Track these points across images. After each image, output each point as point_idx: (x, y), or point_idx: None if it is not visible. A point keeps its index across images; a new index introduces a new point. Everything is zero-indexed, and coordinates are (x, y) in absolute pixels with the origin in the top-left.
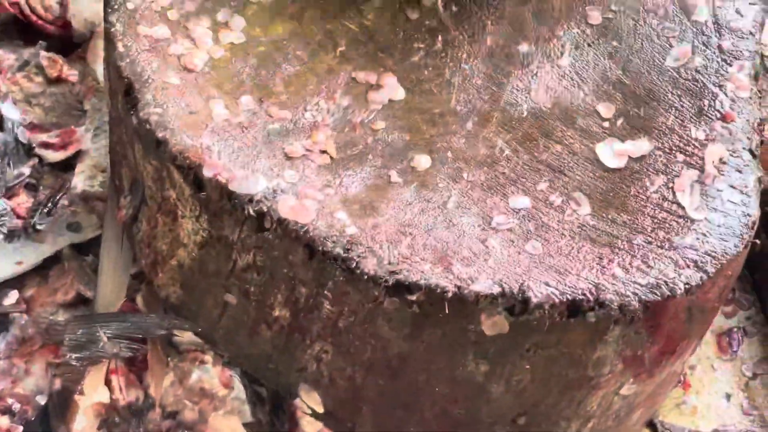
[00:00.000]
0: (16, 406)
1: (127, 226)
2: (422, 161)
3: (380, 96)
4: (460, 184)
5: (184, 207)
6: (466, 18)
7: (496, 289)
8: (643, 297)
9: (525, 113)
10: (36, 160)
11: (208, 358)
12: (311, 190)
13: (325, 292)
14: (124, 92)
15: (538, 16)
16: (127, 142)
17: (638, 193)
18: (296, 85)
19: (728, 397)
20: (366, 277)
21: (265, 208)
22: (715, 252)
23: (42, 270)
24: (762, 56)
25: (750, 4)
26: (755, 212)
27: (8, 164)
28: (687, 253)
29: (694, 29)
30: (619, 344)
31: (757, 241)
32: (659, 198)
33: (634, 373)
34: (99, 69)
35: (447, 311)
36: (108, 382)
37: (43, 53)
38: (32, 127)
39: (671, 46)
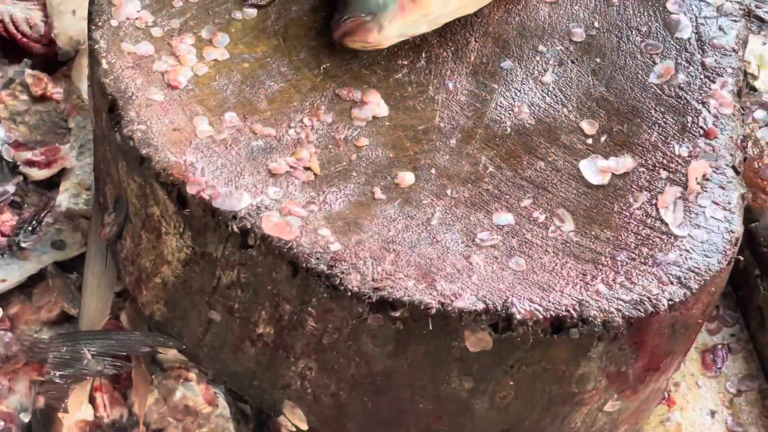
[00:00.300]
0: (0, 424)
1: (112, 243)
2: (406, 178)
3: (364, 113)
4: (444, 201)
5: (168, 224)
6: (449, 34)
7: (480, 306)
8: (627, 313)
9: (508, 130)
10: (20, 177)
11: (193, 375)
12: (295, 206)
13: (309, 309)
14: (108, 109)
15: (522, 33)
16: (111, 159)
17: (622, 209)
18: (280, 102)
19: (713, 414)
20: (350, 293)
21: (248, 225)
22: (699, 268)
23: (26, 288)
24: (745, 73)
25: (733, 21)
26: (738, 229)
27: None
28: (670, 269)
29: (678, 46)
30: (603, 360)
31: (741, 258)
32: (643, 214)
33: (618, 389)
34: (83, 87)
35: (431, 328)
36: (92, 400)
37: (27, 71)
38: (17, 144)
39: (654, 62)
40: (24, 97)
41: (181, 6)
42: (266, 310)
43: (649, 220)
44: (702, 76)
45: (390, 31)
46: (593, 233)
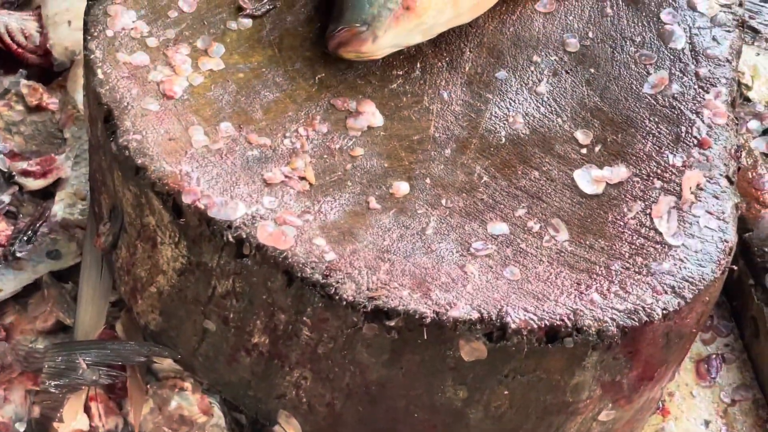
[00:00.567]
0: None
1: (107, 253)
2: (401, 188)
3: (359, 123)
4: (439, 211)
5: (164, 234)
6: (444, 45)
7: (475, 315)
8: (621, 322)
9: (503, 140)
10: (16, 188)
11: (188, 385)
12: (290, 216)
13: (304, 318)
14: (104, 119)
15: (517, 43)
16: (106, 169)
17: (616, 219)
18: (275, 112)
19: (707, 423)
20: (345, 303)
21: (244, 235)
22: (693, 278)
23: (21, 298)
24: (739, 83)
25: (726, 31)
26: (732, 238)
27: None
28: (664, 278)
29: (671, 56)
30: (598, 370)
31: (735, 267)
32: (637, 224)
33: (613, 399)
34: (79, 97)
35: (425, 337)
36: (87, 410)
37: (23, 81)
38: (12, 155)
39: (648, 73)
40: (19, 107)
41: (177, 16)
42: (261, 320)
43: (643, 230)
44: (696, 87)
45: (384, 41)
46: (587, 243)
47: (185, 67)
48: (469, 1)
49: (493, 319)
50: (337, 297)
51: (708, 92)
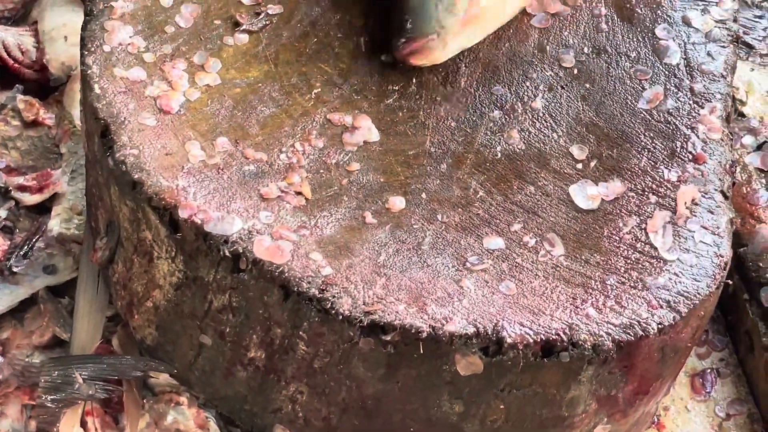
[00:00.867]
0: None
1: (103, 268)
2: (397, 202)
3: (355, 138)
4: (435, 225)
5: (160, 248)
6: None
7: (471, 330)
8: (617, 337)
9: (499, 155)
10: (12, 203)
11: (184, 399)
12: (286, 231)
13: (301, 332)
14: (101, 134)
15: (512, 58)
16: (103, 184)
17: (611, 234)
18: (271, 127)
19: None
20: (341, 317)
21: (240, 249)
22: (688, 292)
23: (18, 312)
24: (734, 98)
25: (721, 47)
26: (727, 253)
27: None
28: (660, 293)
29: (666, 72)
30: (593, 384)
31: (730, 282)
32: (632, 239)
33: (608, 413)
34: (75, 113)
35: (422, 351)
36: (83, 424)
37: (19, 97)
38: (8, 170)
39: (644, 88)
40: (16, 122)
41: (173, 32)
42: (257, 334)
43: (638, 245)
44: (691, 102)
45: (452, 46)
46: (583, 257)
47: (182, 82)
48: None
49: (489, 333)
50: (333, 311)
51: (703, 107)
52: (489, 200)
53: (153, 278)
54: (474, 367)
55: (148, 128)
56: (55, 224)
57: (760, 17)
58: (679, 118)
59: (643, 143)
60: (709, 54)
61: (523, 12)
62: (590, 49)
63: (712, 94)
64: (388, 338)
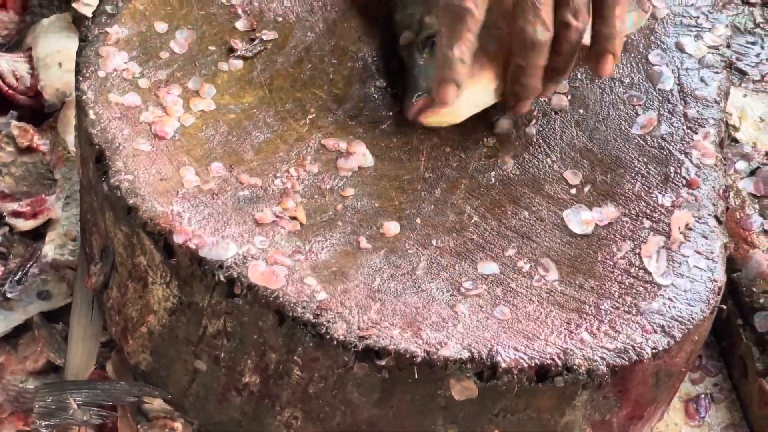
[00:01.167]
0: None
1: (98, 293)
2: (391, 227)
3: (350, 163)
4: (429, 250)
5: (155, 273)
6: None
7: (465, 354)
8: (611, 362)
9: (493, 180)
10: (6, 228)
11: (178, 425)
12: (281, 256)
13: (295, 357)
14: (95, 159)
15: None
16: (97, 209)
17: (605, 259)
18: (266, 153)
19: None
20: (336, 342)
21: (235, 274)
22: (682, 317)
23: (12, 338)
24: (727, 124)
25: (714, 72)
26: (721, 278)
27: None
28: (654, 318)
29: (660, 97)
30: (588, 409)
31: (724, 307)
32: (626, 264)
33: None
34: (69, 139)
35: (416, 376)
36: None
37: (14, 123)
38: (3, 196)
39: (637, 113)
40: (10, 148)
41: (168, 57)
42: (252, 359)
43: (632, 270)
44: (684, 127)
45: (462, 103)
46: (577, 282)
47: (177, 107)
48: None
49: (484, 358)
50: (328, 336)
51: (696, 133)
52: (483, 225)
53: (147, 303)
54: (469, 392)
55: (143, 154)
56: (49, 250)
57: (753, 43)
58: (672, 144)
59: (636, 168)
60: (702, 80)
61: None
62: (584, 74)
63: (706, 119)
64: (383, 363)
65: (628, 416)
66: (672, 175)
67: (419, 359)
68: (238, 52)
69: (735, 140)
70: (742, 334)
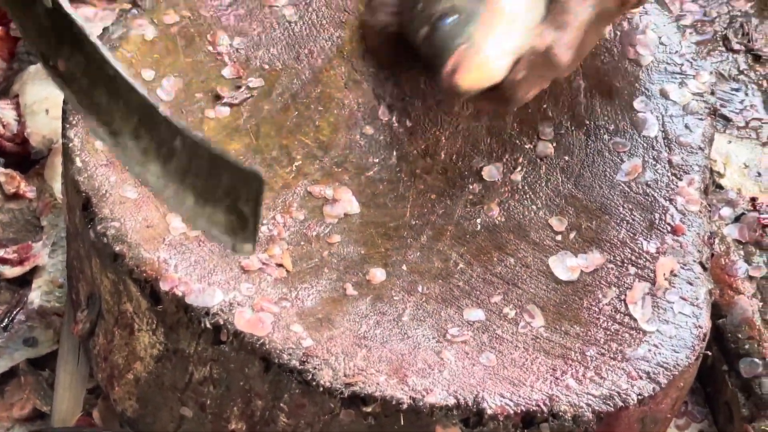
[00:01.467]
0: None
1: (84, 340)
2: (377, 274)
3: (336, 210)
4: (415, 297)
5: (141, 320)
6: (420, 132)
7: (451, 401)
8: (597, 408)
9: (478, 227)
10: None
11: None
12: (267, 303)
13: (281, 404)
14: (82, 207)
15: (492, 131)
16: (84, 256)
17: (591, 305)
18: None
19: None
20: (322, 389)
21: (221, 321)
22: (667, 363)
23: None
24: (712, 171)
25: (699, 119)
26: (706, 324)
27: None
28: (639, 364)
29: (645, 144)
30: None
31: (709, 353)
32: (612, 310)
33: None
34: (56, 186)
35: (402, 423)
36: None
37: (0, 170)
38: None
39: (622, 160)
40: None
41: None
42: (238, 406)
43: (618, 316)
44: (669, 174)
45: (490, 49)
46: (563, 329)
47: None
48: None
49: (470, 404)
50: (314, 383)
51: (681, 179)
52: (469, 272)
53: (134, 350)
54: None
55: (130, 201)
56: (35, 297)
57: (737, 90)
58: (657, 190)
59: (622, 215)
60: (686, 126)
61: None
62: (569, 121)
63: (690, 166)
64: (369, 410)
65: None
66: (657, 221)
67: (405, 406)
68: (225, 100)
69: (720, 186)
70: (727, 380)
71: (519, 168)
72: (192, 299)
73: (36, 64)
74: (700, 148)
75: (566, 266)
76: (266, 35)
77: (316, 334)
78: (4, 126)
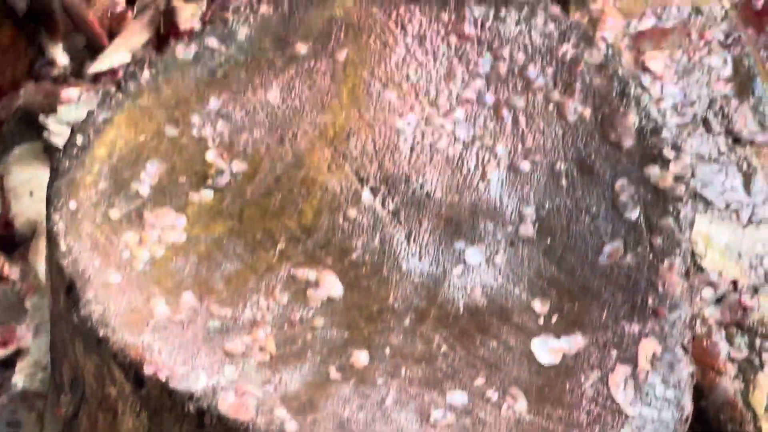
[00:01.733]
0: None
1: (67, 423)
2: (361, 358)
3: (319, 293)
4: (398, 380)
5: (125, 404)
6: (402, 216)
7: None
8: None
9: (461, 309)
10: None
11: None
12: (251, 387)
13: None
14: (66, 290)
15: (474, 213)
16: (68, 339)
17: (573, 388)
18: (236, 283)
19: None
20: None
21: (205, 405)
22: None
23: None
24: (693, 252)
25: (680, 202)
26: (688, 406)
27: None
28: None
29: (626, 227)
30: None
31: None
32: (594, 393)
33: None
34: (40, 268)
35: None
36: None
37: None
38: None
39: (604, 243)
40: None
41: (139, 189)
42: None
43: (600, 399)
44: (650, 257)
45: None
46: (545, 411)
47: (147, 238)
48: None
49: None
50: None
51: (663, 262)
52: (452, 355)
53: None
54: None
55: (114, 285)
56: (19, 380)
57: (718, 171)
58: (639, 273)
59: (604, 297)
60: (667, 209)
61: (483, 166)
62: (551, 204)
63: (672, 248)
64: None
65: None
66: (639, 304)
67: None
68: (209, 183)
69: (701, 268)
70: None
71: (501, 250)
72: (176, 383)
73: (20, 147)
74: (681, 231)
75: (549, 349)
76: (249, 119)
77: (299, 418)
78: None
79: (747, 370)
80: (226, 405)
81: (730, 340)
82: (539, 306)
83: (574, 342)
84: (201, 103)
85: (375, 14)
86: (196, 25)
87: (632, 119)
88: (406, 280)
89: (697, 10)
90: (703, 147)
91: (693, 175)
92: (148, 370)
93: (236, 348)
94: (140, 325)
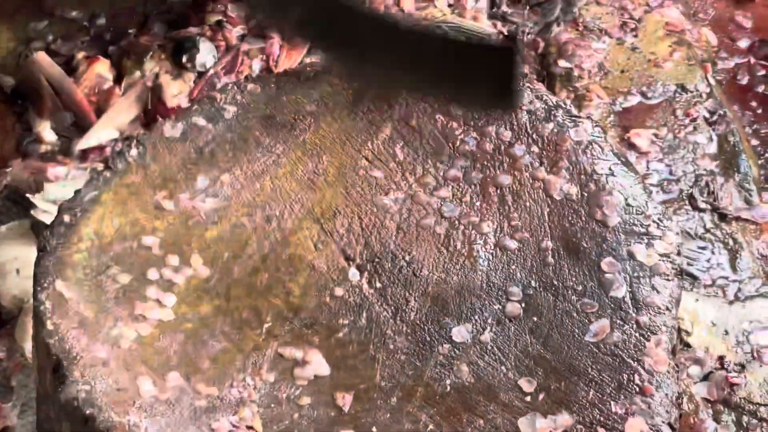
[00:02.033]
0: None
1: None
2: None
3: (306, 372)
4: None
5: None
6: (389, 294)
7: None
8: None
9: (448, 388)
10: None
11: None
12: None
13: None
14: (53, 369)
15: (461, 292)
16: (54, 418)
17: None
18: (223, 362)
19: None
20: None
21: None
22: None
23: None
24: (679, 329)
25: (666, 279)
26: None
27: None
28: None
29: (613, 305)
30: None
31: None
32: None
33: None
34: (27, 346)
35: None
36: None
37: None
38: None
39: (590, 321)
40: None
41: (126, 266)
42: None
43: None
44: (637, 335)
45: None
46: None
47: (134, 317)
48: None
49: None
50: None
51: (649, 340)
52: None
53: None
54: None
55: (100, 363)
56: None
57: (704, 248)
58: (625, 351)
59: (590, 376)
60: (654, 287)
61: (470, 244)
62: (537, 282)
63: (658, 326)
64: None
65: None
66: (625, 382)
67: None
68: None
69: (687, 345)
70: None
71: (488, 329)
72: None
73: (7, 224)
74: (668, 309)
75: (536, 428)
76: (237, 198)
77: None
78: None
79: None
80: None
81: (717, 417)
82: (526, 384)
83: (561, 421)
84: (189, 181)
85: None
86: (184, 102)
87: (618, 197)
88: (392, 359)
89: (683, 88)
90: (689, 223)
91: (679, 252)
92: None
93: (223, 427)
94: (126, 404)
